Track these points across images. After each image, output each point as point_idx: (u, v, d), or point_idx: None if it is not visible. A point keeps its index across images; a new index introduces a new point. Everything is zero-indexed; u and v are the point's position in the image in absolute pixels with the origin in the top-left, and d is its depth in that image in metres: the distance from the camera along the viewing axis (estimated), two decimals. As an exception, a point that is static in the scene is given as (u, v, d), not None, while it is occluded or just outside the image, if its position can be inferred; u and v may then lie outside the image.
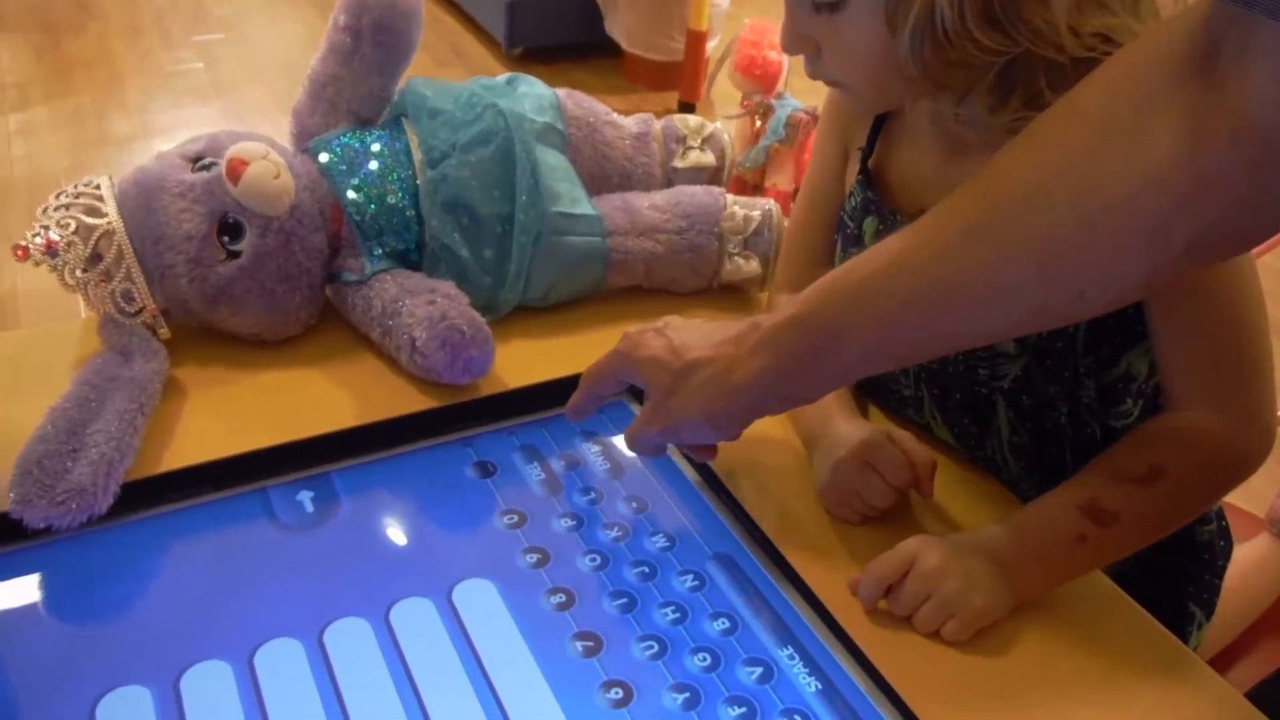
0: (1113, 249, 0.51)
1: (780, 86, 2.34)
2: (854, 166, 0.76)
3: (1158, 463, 0.63)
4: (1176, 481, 0.63)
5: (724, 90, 2.62)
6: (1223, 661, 0.87)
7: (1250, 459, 0.64)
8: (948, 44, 0.58)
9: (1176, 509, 0.66)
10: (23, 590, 0.63)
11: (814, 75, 0.68)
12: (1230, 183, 0.47)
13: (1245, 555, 0.92)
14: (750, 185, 2.37)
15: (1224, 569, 0.79)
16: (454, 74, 3.07)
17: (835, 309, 0.58)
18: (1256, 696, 0.60)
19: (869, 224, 0.74)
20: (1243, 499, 0.87)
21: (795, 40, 0.65)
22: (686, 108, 2.91)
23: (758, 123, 2.34)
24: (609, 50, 3.06)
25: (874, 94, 0.68)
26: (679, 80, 2.90)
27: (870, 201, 0.74)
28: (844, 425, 0.70)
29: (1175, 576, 0.77)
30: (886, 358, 0.62)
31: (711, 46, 2.86)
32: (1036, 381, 0.70)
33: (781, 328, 0.60)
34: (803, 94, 2.34)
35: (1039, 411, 0.71)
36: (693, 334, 0.64)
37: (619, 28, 2.98)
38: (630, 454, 0.74)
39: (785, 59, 2.26)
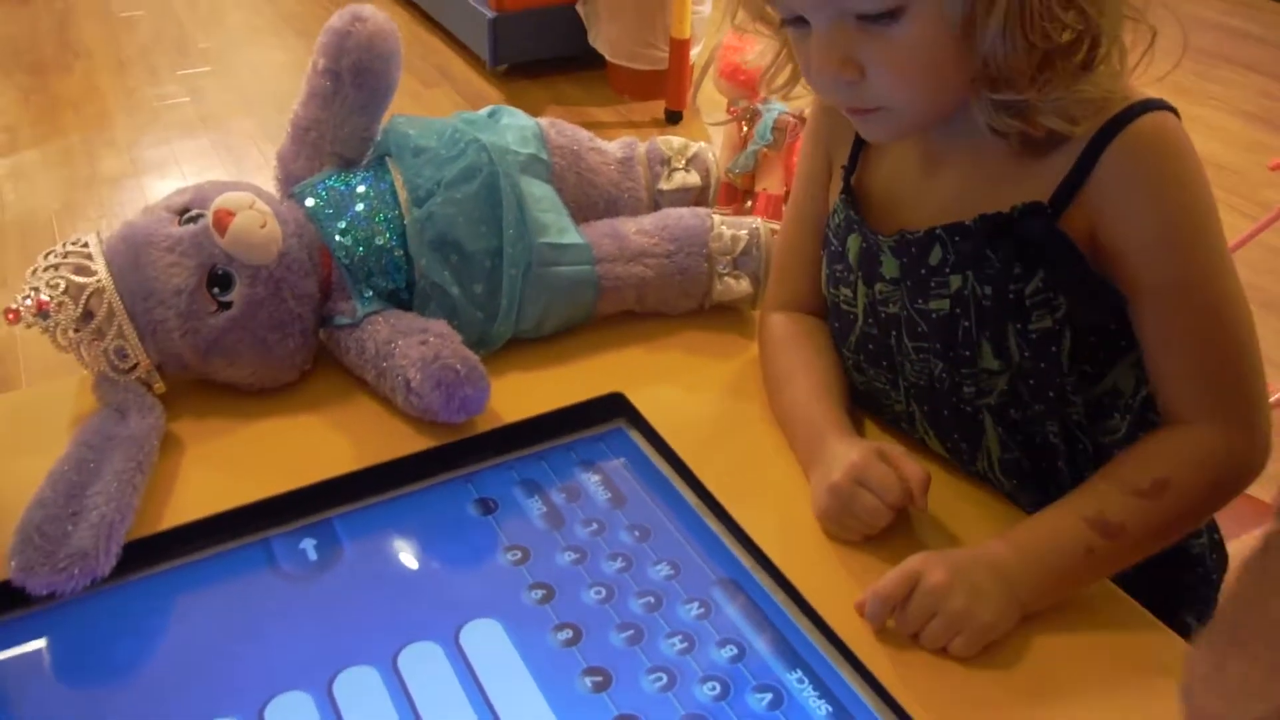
0: None
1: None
2: (837, 183, 0.76)
3: (1162, 476, 0.64)
4: (1181, 494, 0.64)
5: (710, 96, 2.62)
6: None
7: (1251, 470, 0.65)
8: (1029, 26, 0.58)
9: (1180, 520, 0.66)
10: (29, 656, 0.63)
11: (851, 103, 0.64)
12: None
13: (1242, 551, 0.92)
14: (740, 191, 2.37)
15: (1219, 581, 0.79)
16: (440, 93, 3.08)
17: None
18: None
19: (852, 241, 0.74)
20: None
21: (841, 65, 0.61)
22: (673, 116, 2.92)
23: (745, 128, 2.34)
24: (594, 62, 3.06)
25: (921, 110, 0.65)
26: (665, 89, 2.90)
27: (853, 220, 0.74)
28: (836, 445, 0.70)
29: (1169, 590, 0.77)
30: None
31: (695, 53, 2.86)
32: (1023, 397, 0.70)
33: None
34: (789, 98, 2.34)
35: (1028, 427, 0.71)
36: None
37: (603, 39, 2.98)
38: (630, 482, 0.74)
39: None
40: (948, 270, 0.68)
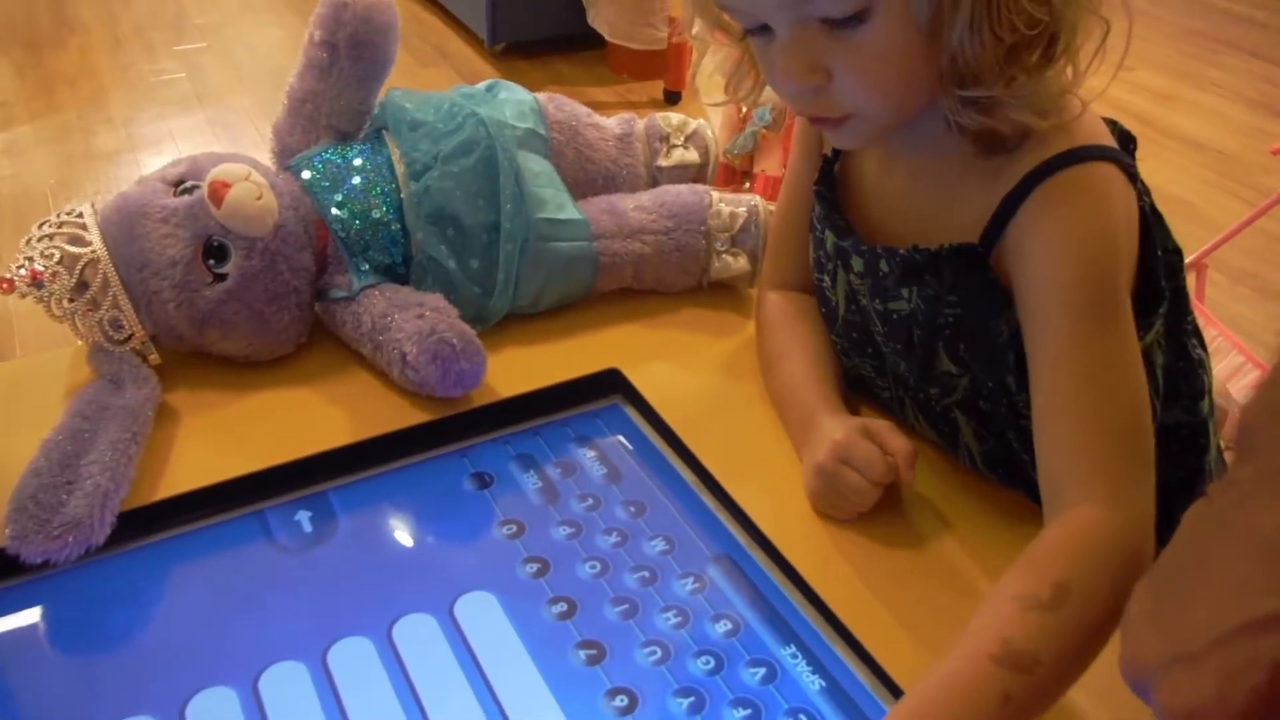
0: None
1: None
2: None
3: (1060, 580, 0.55)
4: (1085, 597, 0.54)
5: (709, 77, 2.61)
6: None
7: (1143, 556, 0.57)
8: (996, 20, 0.57)
9: (1092, 630, 0.55)
10: (23, 624, 0.63)
11: (818, 112, 0.63)
12: None
13: None
14: (739, 172, 2.37)
15: None
16: (438, 72, 3.06)
17: None
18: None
19: (829, 235, 0.74)
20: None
21: (808, 70, 0.60)
22: (672, 96, 2.91)
23: (744, 109, 2.33)
24: (593, 42, 3.05)
25: (891, 113, 0.63)
26: (664, 69, 2.90)
27: (824, 215, 0.74)
28: (825, 423, 0.70)
29: None
30: None
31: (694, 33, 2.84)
32: (985, 396, 0.70)
33: None
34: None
35: (997, 421, 0.71)
36: None
37: (601, 19, 2.97)
38: (625, 458, 0.74)
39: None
40: (897, 281, 0.68)
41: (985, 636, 0.54)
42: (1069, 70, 0.61)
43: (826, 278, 0.75)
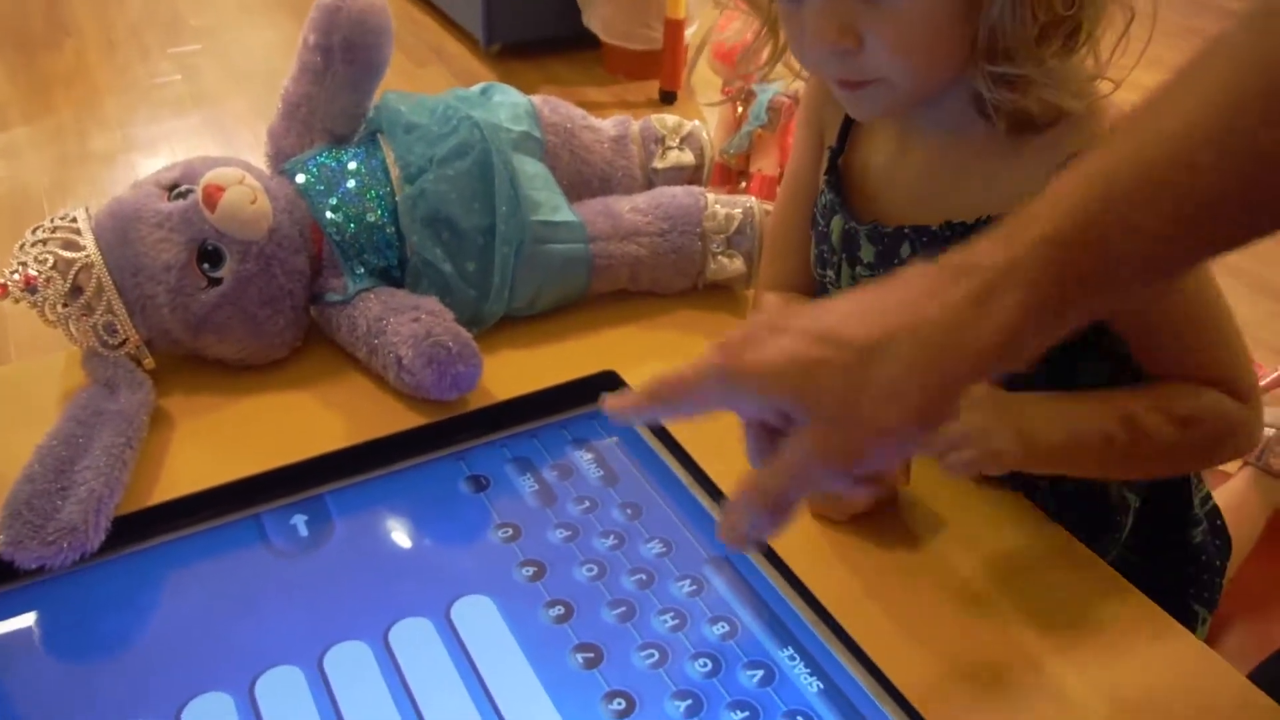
0: None
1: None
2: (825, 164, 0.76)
3: (1195, 415, 0.64)
4: (1204, 436, 0.65)
5: (704, 77, 2.61)
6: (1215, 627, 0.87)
7: (1253, 440, 0.66)
8: None
9: (1191, 459, 0.69)
10: (18, 630, 0.63)
11: (847, 76, 0.64)
12: None
13: (1223, 501, 0.93)
14: (735, 172, 2.37)
15: (1223, 567, 0.79)
16: (433, 73, 3.06)
17: (1116, 214, 0.44)
18: (1258, 676, 0.60)
19: (835, 223, 0.74)
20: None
21: (840, 34, 0.60)
22: (668, 96, 2.90)
23: (739, 109, 2.33)
24: (588, 42, 3.05)
25: (917, 83, 0.63)
26: (659, 69, 2.89)
27: (835, 203, 0.74)
28: None
29: (1174, 582, 0.77)
30: (1171, 265, 0.48)
31: (690, 33, 2.85)
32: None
33: (1034, 255, 0.44)
34: (783, 78, 2.33)
35: None
36: (837, 313, 0.48)
37: (597, 19, 2.97)
38: (622, 460, 0.74)
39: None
40: (923, 262, 0.68)
41: (1118, 401, 0.64)
42: (1091, 58, 0.62)
43: (830, 272, 0.75)
